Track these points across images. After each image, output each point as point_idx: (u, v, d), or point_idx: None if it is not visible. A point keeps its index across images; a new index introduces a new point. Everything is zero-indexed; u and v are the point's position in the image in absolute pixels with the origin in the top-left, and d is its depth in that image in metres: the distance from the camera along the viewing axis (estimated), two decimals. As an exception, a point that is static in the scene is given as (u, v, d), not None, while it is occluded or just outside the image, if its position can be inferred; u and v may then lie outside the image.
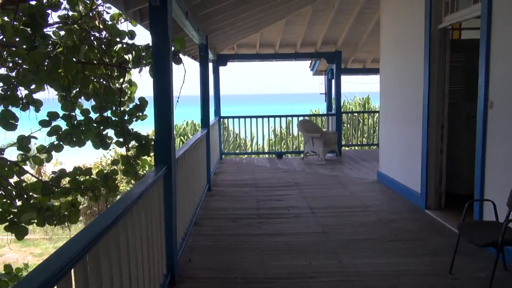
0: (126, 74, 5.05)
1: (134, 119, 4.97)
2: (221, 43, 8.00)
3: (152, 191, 2.70)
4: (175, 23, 4.92)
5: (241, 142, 9.99)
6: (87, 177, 4.26)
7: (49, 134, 4.03)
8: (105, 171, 4.37)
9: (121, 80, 4.70)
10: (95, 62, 4.17)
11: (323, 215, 4.93)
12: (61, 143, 4.11)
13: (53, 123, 4.18)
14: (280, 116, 9.72)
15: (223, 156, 9.42)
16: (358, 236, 4.20)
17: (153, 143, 4.99)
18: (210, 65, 9.43)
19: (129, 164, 4.88)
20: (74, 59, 3.68)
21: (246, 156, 9.94)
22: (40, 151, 4.06)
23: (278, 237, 4.23)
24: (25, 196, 4.06)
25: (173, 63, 5.01)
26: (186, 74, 5.07)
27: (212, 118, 8.89)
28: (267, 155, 10.39)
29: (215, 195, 6.06)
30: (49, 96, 4.43)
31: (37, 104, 4.25)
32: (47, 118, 3.88)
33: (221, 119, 9.37)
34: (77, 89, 4.27)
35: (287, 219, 4.87)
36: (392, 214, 4.91)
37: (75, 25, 3.87)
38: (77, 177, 4.13)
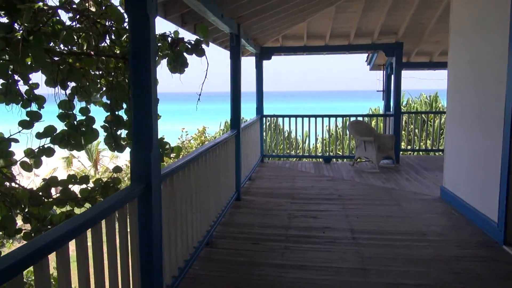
0: None
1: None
2: (263, 34, 7.20)
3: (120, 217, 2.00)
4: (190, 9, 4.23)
5: (285, 143, 9.13)
6: (85, 186, 3.71)
7: (39, 136, 3.52)
8: (105, 180, 3.79)
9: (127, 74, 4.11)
10: (91, 52, 3.58)
11: (366, 243, 3.97)
12: (54, 146, 3.59)
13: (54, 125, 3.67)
14: (329, 116, 8.72)
15: (264, 158, 8.65)
16: (408, 279, 3.21)
17: (168, 147, 4.37)
18: (250, 59, 8.71)
19: None
20: (57, 48, 3.11)
21: (290, 159, 9.07)
22: (28, 155, 3.57)
23: (303, 272, 3.37)
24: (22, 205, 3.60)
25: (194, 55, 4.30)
26: (208, 68, 4.41)
27: (252, 116, 8.17)
28: (313, 159, 9.44)
29: (243, 207, 5.30)
30: (59, 92, 3.97)
31: (40, 101, 3.78)
32: (28, 118, 3.34)
33: (263, 118, 8.59)
34: (76, 85, 3.73)
35: (320, 244, 3.97)
36: (457, 249, 3.81)
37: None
38: (71, 186, 3.59)
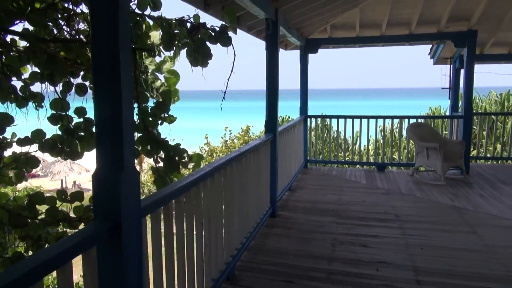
0: (143, 58, 3.77)
1: (159, 122, 3.67)
2: (307, 23, 6.27)
3: None
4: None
5: (332, 148, 8.12)
6: (78, 203, 3.05)
7: (22, 142, 2.90)
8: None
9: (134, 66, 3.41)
10: (82, 39, 2.90)
11: (435, 291, 2.97)
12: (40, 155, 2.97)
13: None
14: (384, 117, 7.60)
15: (308, 164, 7.71)
16: None
17: (186, 155, 3.67)
18: (293, 53, 7.79)
19: (160, 179, 3.61)
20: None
21: (337, 166, 8.06)
22: (9, 165, 2.96)
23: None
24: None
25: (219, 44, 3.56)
26: (235, 60, 3.65)
27: (296, 115, 7.26)
28: (364, 166, 8.34)
29: (278, 226, 4.45)
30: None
31: (38, 99, 3.19)
32: (-3, 122, 2.72)
33: (308, 119, 7.65)
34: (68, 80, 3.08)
35: (372, 289, 3.03)
36: None
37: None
38: (59, 204, 2.94)
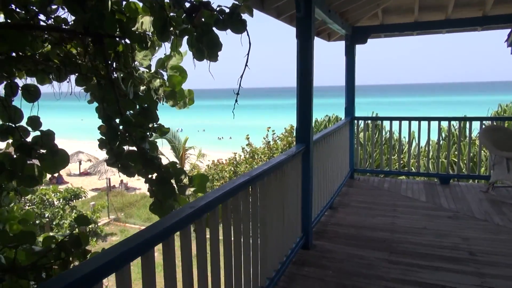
0: (135, 51, 2.95)
1: (147, 134, 2.85)
2: (353, 5, 5.18)
3: None
4: None
5: (384, 155, 6.91)
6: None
7: None
8: (61, 237, 2.33)
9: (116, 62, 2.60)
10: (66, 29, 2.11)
11: None
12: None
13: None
14: (449, 119, 6.29)
15: (355, 173, 6.60)
16: None
17: (184, 176, 2.86)
18: (338, 44, 6.68)
19: (157, 206, 2.83)
20: None
21: (390, 176, 6.85)
22: None
23: None
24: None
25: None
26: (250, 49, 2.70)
27: (343, 116, 6.17)
28: (424, 178, 7.05)
29: (311, 264, 3.46)
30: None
31: (33, 95, 2.45)
32: None
33: (355, 121, 6.53)
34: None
35: None
36: None
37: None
38: None
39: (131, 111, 2.69)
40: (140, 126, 2.71)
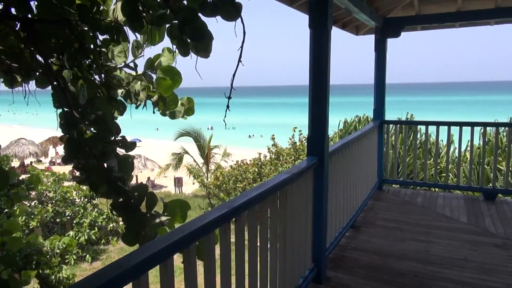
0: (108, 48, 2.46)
1: (110, 149, 2.34)
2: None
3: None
4: None
5: (418, 164, 6.10)
6: None
7: None
8: None
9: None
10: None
11: None
12: None
13: None
14: (497, 125, 5.42)
15: (383, 184, 5.84)
16: None
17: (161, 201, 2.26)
18: (368, 39, 5.93)
19: (129, 234, 2.33)
20: None
21: (424, 189, 6.03)
22: None
23: None
24: None
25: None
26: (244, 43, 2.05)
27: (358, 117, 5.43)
28: (465, 192, 6.18)
29: (321, 305, 2.82)
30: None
31: None
32: None
33: (384, 125, 5.77)
34: None
35: None
36: None
37: None
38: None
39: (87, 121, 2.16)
40: (99, 139, 2.17)
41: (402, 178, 5.89)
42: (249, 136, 54.14)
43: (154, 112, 2.82)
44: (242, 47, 2.15)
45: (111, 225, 13.18)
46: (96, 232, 12.24)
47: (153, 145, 41.38)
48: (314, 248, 3.11)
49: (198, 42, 2.17)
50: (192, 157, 18.56)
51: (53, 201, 12.04)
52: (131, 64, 2.64)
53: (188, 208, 2.33)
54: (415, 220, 4.51)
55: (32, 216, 11.26)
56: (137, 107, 2.79)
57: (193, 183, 18.16)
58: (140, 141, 47.60)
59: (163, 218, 2.29)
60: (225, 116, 2.31)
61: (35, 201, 12.12)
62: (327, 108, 3.03)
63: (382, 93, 5.66)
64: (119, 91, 2.57)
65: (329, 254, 3.47)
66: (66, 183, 13.35)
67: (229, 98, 2.25)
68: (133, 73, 2.66)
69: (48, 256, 6.71)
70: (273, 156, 14.91)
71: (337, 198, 3.71)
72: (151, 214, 2.32)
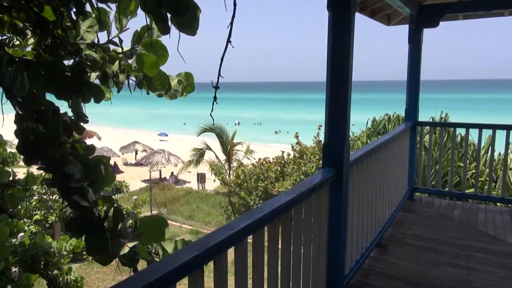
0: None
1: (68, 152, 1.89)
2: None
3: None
4: None
5: (456, 171, 5.41)
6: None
7: None
8: None
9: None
10: None
11: None
12: None
13: None
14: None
15: (415, 193, 5.20)
16: None
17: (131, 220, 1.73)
18: (401, 30, 5.27)
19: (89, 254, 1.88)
20: None
21: (462, 200, 5.35)
22: None
23: None
24: None
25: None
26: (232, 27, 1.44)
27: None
28: (510, 205, 5.44)
29: None
30: None
31: None
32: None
33: (417, 127, 5.12)
34: None
35: None
36: None
37: None
38: None
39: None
40: (49, 141, 1.74)
41: (436, 187, 5.23)
42: (275, 132, 53.55)
43: (148, 93, 2.37)
44: (232, 21, 1.71)
45: (130, 221, 12.99)
46: (115, 228, 12.07)
47: (179, 140, 41.50)
48: (329, 277, 2.59)
49: (180, 16, 1.72)
50: (214, 153, 18.22)
51: (73, 196, 11.95)
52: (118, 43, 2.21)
53: (164, 225, 1.90)
54: (452, 239, 3.88)
55: (51, 211, 11.22)
56: (119, 91, 2.35)
57: (214, 181, 17.84)
58: (166, 135, 47.96)
59: (133, 239, 1.85)
60: (212, 110, 1.88)
61: (56, 195, 12.08)
62: (348, 109, 2.48)
63: (416, 91, 5.01)
64: (94, 74, 2.14)
65: (349, 281, 2.94)
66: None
67: (216, 87, 1.82)
68: (119, 50, 2.23)
69: (56, 257, 6.45)
70: (297, 155, 14.35)
71: (360, 212, 3.16)
72: (117, 234, 1.89)
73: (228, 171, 17.60)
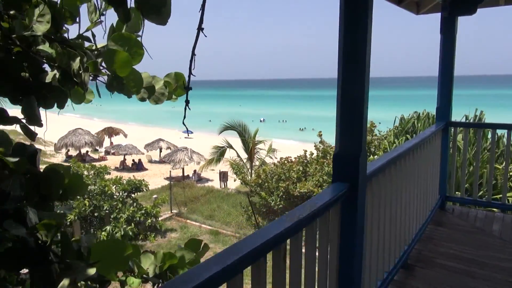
0: None
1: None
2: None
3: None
4: None
5: (495, 178, 4.80)
6: None
7: None
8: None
9: None
10: None
11: None
12: None
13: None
14: None
15: (447, 203, 4.64)
16: None
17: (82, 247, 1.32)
18: (430, 17, 4.69)
19: None
20: None
21: (503, 212, 4.74)
22: None
23: None
24: None
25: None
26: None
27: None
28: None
29: None
30: None
31: None
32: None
33: (450, 128, 4.55)
34: None
35: None
36: None
37: None
38: None
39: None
40: None
41: (472, 196, 4.65)
42: (300, 129, 52.82)
43: (132, 97, 2.02)
44: (202, 10, 1.33)
45: (149, 220, 12.88)
46: (133, 228, 11.96)
47: (204, 138, 41.51)
48: (340, 315, 2.13)
49: (145, 2, 1.35)
50: (236, 151, 17.89)
51: (93, 194, 11.92)
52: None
53: (126, 250, 1.51)
54: (493, 261, 3.33)
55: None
56: (84, 92, 2.01)
57: (234, 180, 17.52)
58: (192, 132, 48.09)
59: (86, 270, 1.48)
60: (184, 118, 1.53)
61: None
62: (364, 111, 2.01)
63: (449, 87, 4.44)
64: (51, 73, 1.77)
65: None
66: (107, 176, 13.23)
67: (188, 88, 1.46)
68: (94, 46, 1.88)
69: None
70: (320, 154, 13.80)
71: (381, 231, 2.68)
72: (66, 264, 1.53)
73: (249, 170, 17.23)
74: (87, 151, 31.10)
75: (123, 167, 27.86)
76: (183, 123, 1.62)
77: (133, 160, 28.51)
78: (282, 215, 1.61)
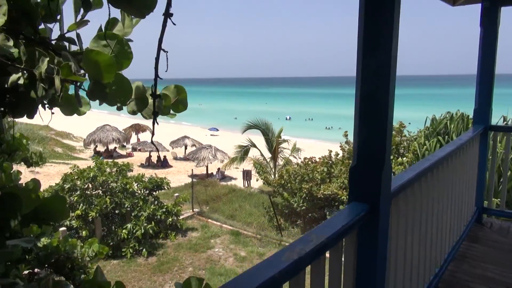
0: None
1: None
2: None
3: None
4: None
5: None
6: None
7: None
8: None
9: None
10: None
11: None
12: None
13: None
14: None
15: (484, 215, 4.16)
16: None
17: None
18: (467, 8, 4.20)
19: None
20: None
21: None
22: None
23: None
24: None
25: None
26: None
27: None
28: None
29: None
30: None
31: None
32: None
33: (490, 133, 4.07)
34: None
35: None
36: None
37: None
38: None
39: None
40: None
41: (513, 209, 4.16)
42: (326, 127, 51.94)
43: (121, 108, 1.72)
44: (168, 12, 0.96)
45: (170, 219, 12.78)
46: (153, 226, 11.87)
47: (229, 135, 41.44)
48: None
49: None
50: (259, 150, 17.60)
51: (114, 192, 11.92)
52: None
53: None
54: (538, 288, 2.88)
55: (92, 206, 11.22)
56: (58, 100, 1.71)
57: (257, 180, 17.23)
58: (217, 130, 48.20)
59: None
60: (152, 135, 1.20)
61: (99, 190, 12.14)
62: (389, 114, 1.65)
63: (489, 87, 3.96)
64: (14, 76, 1.50)
65: None
66: (129, 174, 13.22)
67: (155, 92, 1.15)
68: (77, 48, 1.60)
69: (80, 262, 6.19)
70: (346, 155, 13.29)
71: (408, 254, 2.31)
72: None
73: (273, 170, 16.91)
74: (115, 147, 31.61)
75: (148, 163, 28.12)
76: (152, 141, 1.31)
77: (158, 157, 28.73)
78: (279, 250, 1.28)
